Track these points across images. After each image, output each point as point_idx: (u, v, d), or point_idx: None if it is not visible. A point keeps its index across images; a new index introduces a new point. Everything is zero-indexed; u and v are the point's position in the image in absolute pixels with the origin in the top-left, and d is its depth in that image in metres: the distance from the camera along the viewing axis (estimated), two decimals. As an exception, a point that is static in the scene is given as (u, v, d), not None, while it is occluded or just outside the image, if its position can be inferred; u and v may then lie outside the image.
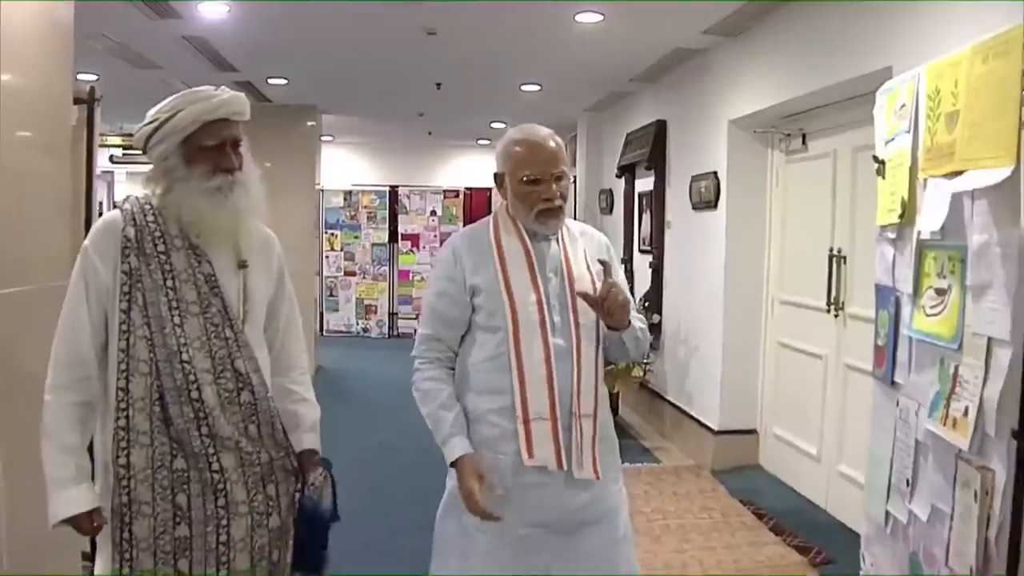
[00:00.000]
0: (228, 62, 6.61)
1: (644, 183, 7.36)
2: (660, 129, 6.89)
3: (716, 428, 5.77)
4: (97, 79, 6.77)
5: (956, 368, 2.38)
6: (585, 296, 2.30)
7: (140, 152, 2.24)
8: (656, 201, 6.97)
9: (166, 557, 2.10)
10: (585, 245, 2.49)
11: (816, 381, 4.99)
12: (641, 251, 7.49)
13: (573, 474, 2.32)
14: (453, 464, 2.35)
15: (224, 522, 2.14)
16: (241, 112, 2.21)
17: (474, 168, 13.20)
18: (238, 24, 5.44)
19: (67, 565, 3.20)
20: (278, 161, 7.44)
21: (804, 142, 5.20)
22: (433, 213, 12.07)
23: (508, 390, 2.32)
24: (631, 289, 5.98)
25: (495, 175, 2.50)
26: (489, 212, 10.66)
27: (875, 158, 2.96)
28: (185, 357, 2.12)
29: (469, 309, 2.41)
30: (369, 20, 5.28)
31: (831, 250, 4.75)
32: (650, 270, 7.04)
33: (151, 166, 2.22)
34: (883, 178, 2.89)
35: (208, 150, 2.15)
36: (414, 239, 12.02)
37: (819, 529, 4.59)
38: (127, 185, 15.28)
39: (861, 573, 3.13)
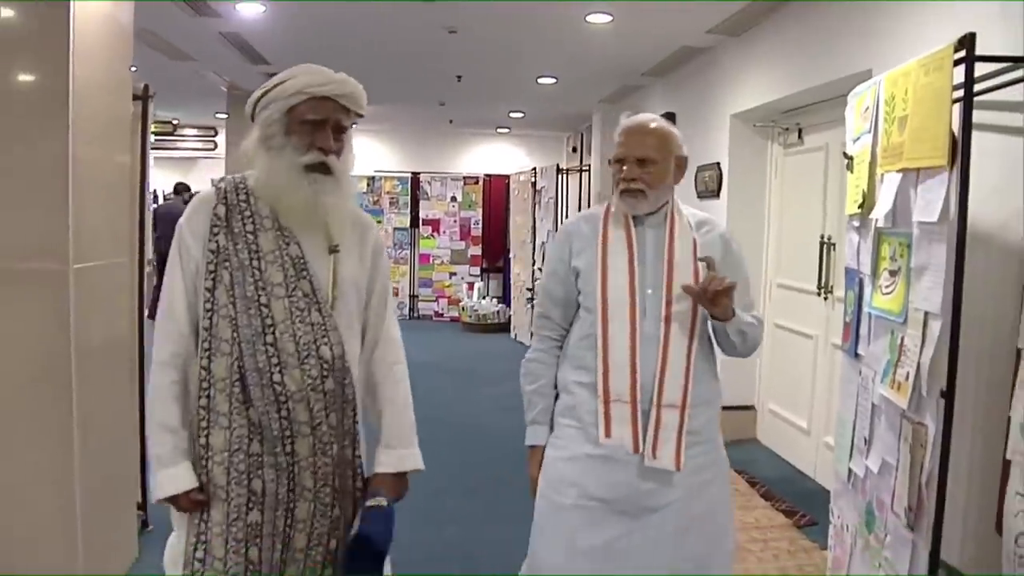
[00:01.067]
0: (260, 55, 6.99)
1: (654, 172, 7.69)
2: (669, 121, 7.20)
3: (717, 404, 6.13)
4: (135, 70, 7.18)
5: (902, 339, 2.74)
6: (687, 288, 2.29)
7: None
8: (665, 190, 7.30)
9: (237, 545, 2.06)
10: (701, 236, 2.44)
11: (807, 360, 5.34)
12: (651, 237, 7.84)
13: (645, 460, 2.33)
14: (530, 446, 2.52)
15: (292, 505, 2.11)
16: (350, 96, 2.13)
17: (494, 155, 13.55)
18: (271, 20, 5.82)
19: (126, 509, 3.61)
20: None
21: (800, 136, 5.53)
22: (453, 199, 12.44)
23: (594, 368, 2.37)
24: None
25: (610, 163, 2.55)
26: (507, 199, 10.99)
27: (845, 154, 3.32)
28: (269, 339, 2.07)
29: (575, 290, 2.46)
30: (393, 18, 5.65)
31: (822, 237, 5.09)
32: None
33: (254, 131, 2.17)
34: (851, 172, 3.25)
35: (308, 124, 2.09)
36: (435, 224, 12.39)
37: (807, 495, 4.94)
38: (155, 170, 15.74)
39: (831, 525, 3.50)
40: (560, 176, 10.15)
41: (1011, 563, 2.21)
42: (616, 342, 2.34)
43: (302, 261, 2.12)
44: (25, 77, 3.04)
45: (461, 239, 12.44)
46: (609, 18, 5.46)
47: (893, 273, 2.85)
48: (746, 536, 4.35)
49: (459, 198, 12.46)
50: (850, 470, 3.20)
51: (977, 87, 2.68)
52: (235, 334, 2.06)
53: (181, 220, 2.17)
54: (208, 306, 2.08)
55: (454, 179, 12.52)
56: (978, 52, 2.55)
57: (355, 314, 2.24)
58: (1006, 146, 3.04)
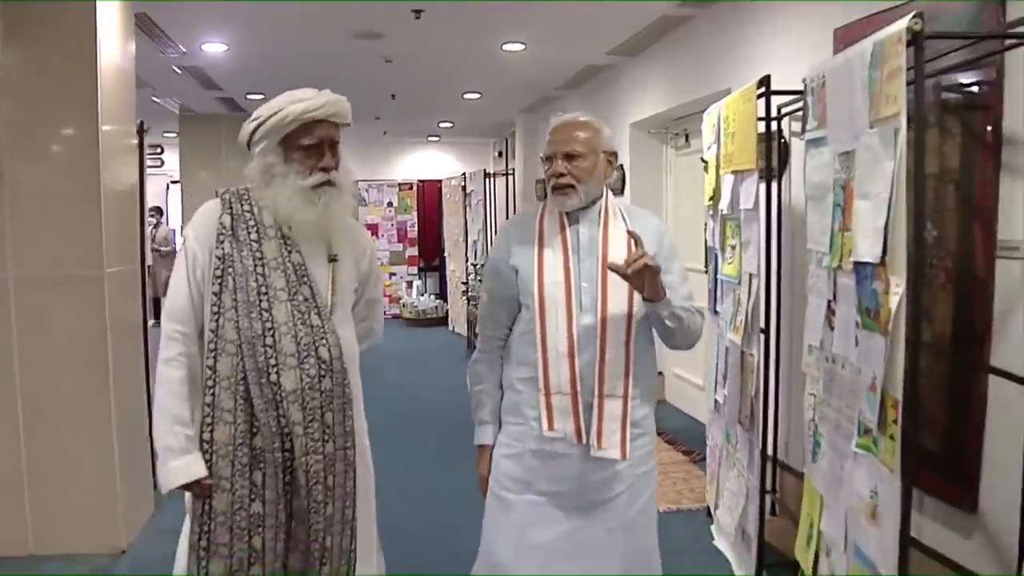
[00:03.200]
0: (214, 82, 7.78)
1: (570, 174, 8.67)
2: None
3: (630, 372, 7.12)
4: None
5: (738, 295, 3.74)
6: (612, 266, 2.26)
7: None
8: (580, 189, 8.29)
9: (241, 533, 2.16)
10: (635, 229, 2.42)
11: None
12: (570, 231, 8.85)
13: (591, 451, 2.39)
14: (478, 445, 2.58)
15: (289, 498, 2.21)
16: (339, 115, 2.25)
17: (426, 162, 14.40)
18: (228, 55, 6.62)
19: (144, 470, 4.40)
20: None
21: (687, 140, 6.57)
22: (390, 204, 13.33)
23: (535, 363, 2.41)
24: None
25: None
26: (440, 202, 11.94)
27: (702, 159, 4.31)
28: (269, 341, 2.16)
29: (516, 289, 2.48)
30: (338, 52, 6.51)
31: (706, 225, 6.09)
32: (577, 247, 8.42)
33: (253, 162, 2.29)
34: (707, 172, 4.24)
35: (305, 148, 2.21)
36: (374, 228, 13.24)
37: (702, 440, 5.94)
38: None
39: (707, 448, 4.50)
40: (488, 180, 11.07)
41: (808, 443, 3.19)
42: (554, 336, 2.38)
43: (303, 268, 2.26)
44: (64, 122, 3.87)
45: (399, 241, 13.34)
46: (522, 47, 6.40)
47: (733, 247, 3.85)
48: (650, 470, 5.34)
49: (395, 203, 13.35)
50: (715, 400, 4.19)
51: (786, 109, 3.70)
52: (239, 335, 2.17)
53: (187, 230, 2.32)
54: (215, 309, 2.19)
55: (390, 185, 13.40)
56: (784, 87, 3.57)
57: (351, 316, 2.45)
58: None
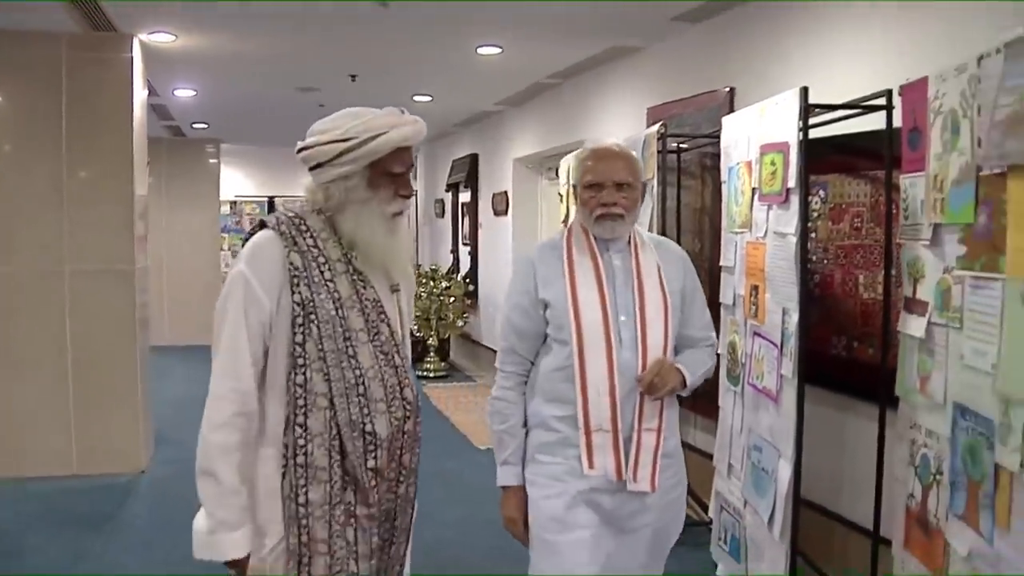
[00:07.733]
0: (171, 115, 9.22)
1: (464, 196, 10.44)
2: (474, 160, 9.98)
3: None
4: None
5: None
6: (640, 380, 2.29)
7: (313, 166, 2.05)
8: (471, 209, 10.06)
9: None
10: (660, 259, 2.44)
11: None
12: (463, 243, 10.65)
13: (627, 485, 2.33)
14: (503, 487, 2.44)
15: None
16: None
17: (334, 180, 15.85)
18: (195, 99, 8.05)
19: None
20: (189, 181, 11.03)
21: (556, 174, 8.34)
22: (304, 218, 14.73)
23: (573, 400, 2.30)
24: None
25: (572, 188, 2.52)
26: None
27: (559, 193, 6.14)
28: (361, 390, 1.99)
29: (543, 322, 2.37)
30: (280, 100, 8.10)
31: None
32: (469, 256, 10.21)
33: (322, 184, 2.05)
34: (562, 203, 6.07)
35: (393, 176, 2.05)
36: (289, 241, 14.63)
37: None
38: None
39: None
40: (393, 198, 12.65)
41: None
42: (595, 373, 2.29)
43: (379, 304, 2.07)
44: (109, 157, 5.42)
45: (312, 251, 14.73)
46: (429, 98, 8.14)
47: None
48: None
49: (308, 217, 14.76)
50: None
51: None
52: (329, 388, 1.97)
53: (244, 269, 1.99)
54: (300, 361, 1.97)
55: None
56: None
57: None
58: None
